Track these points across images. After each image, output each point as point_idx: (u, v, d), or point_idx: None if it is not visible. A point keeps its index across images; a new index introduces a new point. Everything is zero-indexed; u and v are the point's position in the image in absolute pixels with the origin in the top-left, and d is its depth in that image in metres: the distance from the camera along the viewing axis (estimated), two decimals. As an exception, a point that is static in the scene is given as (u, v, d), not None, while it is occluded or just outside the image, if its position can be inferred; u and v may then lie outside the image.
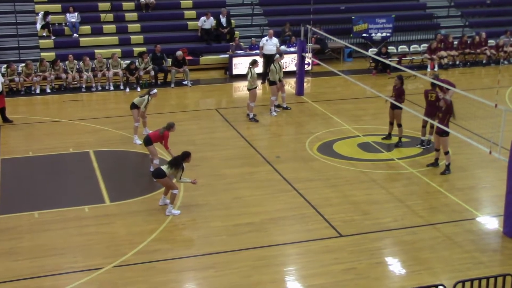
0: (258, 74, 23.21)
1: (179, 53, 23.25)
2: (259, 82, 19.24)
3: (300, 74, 21.84)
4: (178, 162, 12.95)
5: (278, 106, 19.87)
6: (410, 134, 17.57)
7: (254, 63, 19.03)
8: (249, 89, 18.95)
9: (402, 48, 27.28)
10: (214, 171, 15.31)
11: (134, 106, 16.88)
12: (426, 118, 16.20)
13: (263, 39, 23.78)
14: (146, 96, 16.77)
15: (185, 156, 13.04)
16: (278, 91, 19.68)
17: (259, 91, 22.22)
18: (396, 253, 11.86)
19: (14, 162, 15.89)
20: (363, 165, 15.74)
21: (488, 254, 11.68)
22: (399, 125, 16.89)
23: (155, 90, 17.00)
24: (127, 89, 22.49)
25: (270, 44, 23.22)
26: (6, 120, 18.70)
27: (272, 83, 19.46)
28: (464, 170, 15.50)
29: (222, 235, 12.32)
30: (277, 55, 20.30)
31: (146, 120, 17.30)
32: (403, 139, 17.08)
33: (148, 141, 14.61)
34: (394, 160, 16.10)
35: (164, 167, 12.99)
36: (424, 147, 16.79)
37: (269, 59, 22.06)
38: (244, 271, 11.06)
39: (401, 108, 16.60)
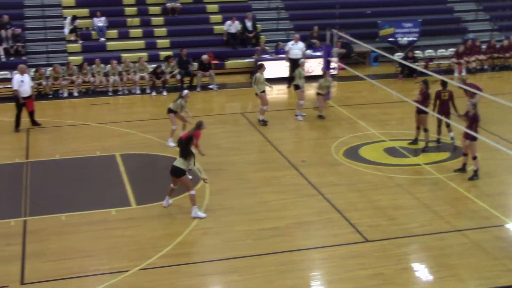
0: (284, 79, 23.29)
1: (205, 57, 23.34)
2: (266, 87, 19.11)
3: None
4: (184, 149, 12.98)
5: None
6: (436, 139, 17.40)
7: (260, 67, 19.09)
8: (256, 94, 18.92)
9: (429, 52, 27.08)
10: (239, 175, 15.31)
11: (170, 111, 16.94)
12: (440, 117, 16.25)
13: (289, 43, 23.77)
14: (179, 100, 16.84)
15: (188, 140, 13.12)
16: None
17: (284, 95, 22.26)
18: (423, 259, 11.73)
19: (42, 165, 16.06)
20: (389, 170, 15.62)
21: (517, 261, 11.52)
22: (425, 130, 16.75)
23: (186, 91, 17.17)
24: (153, 93, 22.62)
25: (296, 48, 23.20)
26: (34, 123, 18.92)
27: (297, 87, 19.42)
28: (492, 175, 15.29)
29: (246, 239, 12.30)
30: (302, 60, 20.23)
31: (187, 124, 16.96)
32: (430, 144, 16.92)
33: (181, 143, 14.69)
34: (421, 165, 15.95)
35: (179, 163, 12.97)
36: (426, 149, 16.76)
37: (294, 64, 21.98)
38: (268, 275, 11.03)
39: (427, 113, 16.46)
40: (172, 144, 16.85)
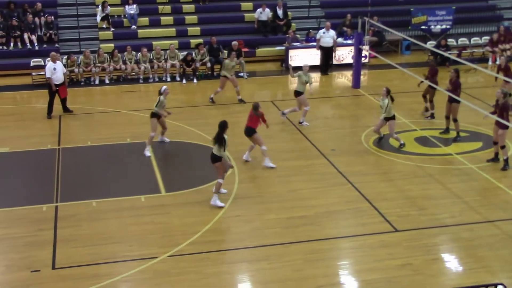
0: (315, 66, 23.10)
1: (234, 43, 23.31)
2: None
3: (357, 67, 21.58)
4: (220, 136, 12.96)
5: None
6: (468, 129, 17.17)
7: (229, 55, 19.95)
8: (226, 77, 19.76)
9: (462, 40, 26.66)
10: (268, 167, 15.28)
11: (153, 115, 16.00)
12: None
13: (320, 31, 23.61)
14: (160, 97, 16.04)
15: (223, 126, 13.07)
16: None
17: (315, 83, 22.09)
18: (453, 250, 11.61)
19: (73, 152, 16.25)
20: (420, 160, 15.47)
21: (550, 254, 11.34)
22: (455, 120, 16.51)
23: (164, 87, 16.30)
24: (184, 81, 22.69)
25: (327, 36, 23.04)
26: (67, 110, 19.13)
27: (298, 93, 17.85)
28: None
29: (275, 228, 12.31)
30: (305, 64, 18.34)
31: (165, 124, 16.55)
32: (462, 134, 16.70)
33: (250, 131, 14.98)
34: (452, 154, 15.75)
35: (214, 150, 13.01)
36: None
37: (326, 52, 21.87)
38: (297, 264, 11.03)
39: (459, 102, 16.23)
40: (148, 153, 15.80)
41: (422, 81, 18.09)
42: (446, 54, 20.12)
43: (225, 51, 23.54)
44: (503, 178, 14.36)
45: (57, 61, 18.99)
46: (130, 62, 22.87)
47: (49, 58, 19.60)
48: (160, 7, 26.28)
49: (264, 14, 25.74)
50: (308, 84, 17.75)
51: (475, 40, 26.65)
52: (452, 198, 13.47)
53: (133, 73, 22.94)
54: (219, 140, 12.95)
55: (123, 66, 22.74)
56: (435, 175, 14.63)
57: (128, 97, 21.04)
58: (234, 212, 12.92)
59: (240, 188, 13.97)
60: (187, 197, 13.60)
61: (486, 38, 26.16)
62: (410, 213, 12.81)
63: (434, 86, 17.54)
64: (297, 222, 12.51)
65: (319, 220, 12.59)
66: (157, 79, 22.83)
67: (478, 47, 26.19)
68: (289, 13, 26.52)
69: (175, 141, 16.85)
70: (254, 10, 26.27)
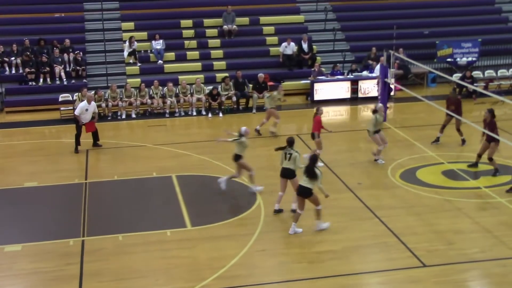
0: (341, 100, 23.06)
1: (260, 75, 23.48)
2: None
3: (382, 99, 21.54)
4: (311, 169, 12.94)
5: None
6: (498, 162, 16.95)
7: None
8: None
9: (489, 72, 26.51)
10: (295, 198, 15.19)
11: (237, 157, 15.55)
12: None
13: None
14: (239, 138, 15.44)
15: (314, 160, 13.05)
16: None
17: (340, 116, 22.09)
18: (484, 286, 11.37)
19: (100, 186, 16.36)
20: (448, 193, 15.28)
21: None
22: (491, 159, 16.20)
23: (244, 128, 15.73)
24: (209, 115, 22.83)
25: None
26: (96, 145, 19.29)
27: (375, 132, 17.53)
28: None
29: (302, 262, 12.20)
30: (379, 105, 18.06)
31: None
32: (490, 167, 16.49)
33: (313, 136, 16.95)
34: (481, 188, 15.54)
35: (304, 183, 13.00)
36: None
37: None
38: (324, 299, 10.89)
39: (498, 141, 15.94)
40: (258, 188, 15.52)
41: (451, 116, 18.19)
42: (472, 86, 20.02)
43: (250, 85, 23.69)
44: (534, 212, 14.10)
45: (92, 103, 19.20)
46: (157, 97, 23.11)
47: (78, 93, 19.83)
48: (186, 42, 26.63)
49: (289, 48, 25.91)
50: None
51: (502, 72, 26.47)
52: (482, 233, 13.24)
53: (159, 108, 23.15)
54: (311, 172, 12.90)
55: (149, 101, 22.98)
56: (464, 209, 14.42)
57: (155, 131, 21.20)
58: (260, 246, 12.84)
59: (267, 222, 13.90)
60: (213, 231, 13.56)
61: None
62: (438, 247, 12.60)
63: (459, 117, 17.57)
64: (324, 256, 12.39)
65: (346, 255, 12.45)
66: (183, 113, 23.02)
67: (505, 79, 26.00)
68: (314, 46, 26.66)
69: (200, 175, 16.87)
70: (279, 44, 26.48)
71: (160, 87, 23.30)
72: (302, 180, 13.08)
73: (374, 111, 17.28)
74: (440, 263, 12.02)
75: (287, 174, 14.08)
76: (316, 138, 17.04)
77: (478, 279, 11.61)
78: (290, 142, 14.17)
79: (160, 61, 25.68)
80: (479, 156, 16.58)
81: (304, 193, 13.06)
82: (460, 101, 18.58)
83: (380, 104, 17.48)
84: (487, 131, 16.04)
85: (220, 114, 22.81)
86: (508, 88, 25.38)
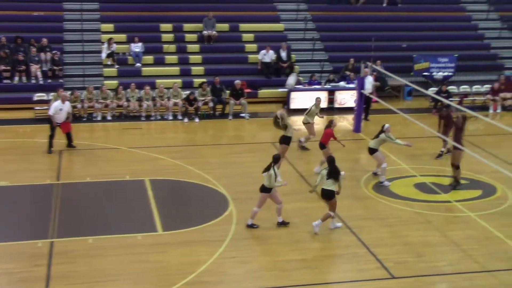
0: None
1: (237, 81, 23.52)
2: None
3: (358, 111, 21.70)
4: (334, 169, 13.64)
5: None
6: (469, 176, 17.17)
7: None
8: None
9: (464, 88, 26.83)
10: (267, 205, 15.21)
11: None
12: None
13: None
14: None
15: (332, 161, 13.73)
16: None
17: (317, 126, 22.19)
18: (450, 299, 11.52)
19: (72, 187, 16.24)
20: (419, 206, 15.43)
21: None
22: (457, 167, 16.45)
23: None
24: (186, 119, 22.79)
25: (367, 82, 22.56)
26: (70, 146, 19.14)
27: (373, 151, 17.24)
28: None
29: (273, 270, 12.21)
30: (387, 126, 17.35)
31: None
32: (462, 181, 16.67)
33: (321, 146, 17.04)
34: (451, 202, 15.71)
35: (329, 186, 13.57)
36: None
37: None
38: (292, 308, 10.92)
39: (460, 149, 16.23)
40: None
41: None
42: (446, 101, 20.22)
43: (228, 91, 23.71)
44: (502, 227, 14.26)
45: (65, 102, 19.07)
46: (133, 100, 23.02)
47: (54, 93, 19.68)
48: (165, 46, 26.57)
49: (268, 55, 26.00)
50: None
51: (476, 87, 26.82)
52: (450, 246, 13.39)
53: (135, 111, 23.06)
54: (334, 173, 13.53)
55: (125, 103, 22.89)
56: (434, 222, 14.57)
57: (130, 134, 21.12)
58: (231, 253, 12.84)
59: (239, 229, 13.90)
60: (185, 236, 13.53)
61: (487, 86, 26.33)
62: (407, 259, 12.71)
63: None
64: (294, 265, 12.42)
65: (315, 264, 12.50)
66: (159, 117, 22.95)
67: (479, 95, 26.34)
68: (292, 55, 26.78)
69: (174, 180, 16.83)
70: (258, 52, 26.53)
71: (137, 90, 23.23)
72: (324, 184, 13.62)
73: (381, 132, 17.15)
74: (408, 275, 12.12)
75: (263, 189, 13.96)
76: (324, 149, 17.11)
77: (445, 292, 11.74)
78: (276, 159, 14.11)
79: (138, 64, 25.60)
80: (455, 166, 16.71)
81: (327, 196, 13.68)
82: (451, 116, 18.33)
83: (387, 125, 17.34)
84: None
85: (196, 119, 22.79)
86: (482, 104, 25.70)
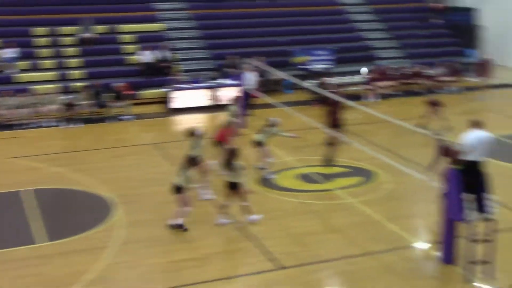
0: (201, 108, 23.19)
1: (118, 84, 23.14)
2: None
3: (241, 107, 21.83)
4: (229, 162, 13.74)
5: None
6: (351, 164, 17.72)
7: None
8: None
9: (341, 79, 27.65)
10: (154, 207, 15.05)
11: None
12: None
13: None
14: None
15: (233, 154, 13.84)
16: None
17: (199, 123, 22.18)
18: (336, 284, 11.81)
19: None
20: (303, 196, 15.74)
21: (427, 282, 11.76)
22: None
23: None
24: (66, 125, 22.10)
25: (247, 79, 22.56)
26: None
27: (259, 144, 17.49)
28: (400, 198, 15.68)
29: (161, 272, 12.06)
30: (275, 120, 17.86)
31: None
32: (344, 170, 17.18)
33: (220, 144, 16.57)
34: (334, 190, 16.15)
35: (236, 178, 13.67)
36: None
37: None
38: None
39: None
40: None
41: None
42: (324, 92, 20.74)
43: (108, 94, 23.21)
44: (383, 211, 14.77)
45: None
46: (8, 108, 22.06)
47: None
48: (39, 50, 25.64)
49: (148, 56, 25.73)
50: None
51: (351, 78, 27.72)
52: (334, 233, 13.74)
53: (12, 119, 22.09)
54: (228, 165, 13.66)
55: (1, 112, 21.89)
56: (318, 211, 14.91)
57: (6, 144, 20.21)
58: (119, 259, 12.54)
59: (125, 234, 13.60)
60: (67, 246, 13.06)
61: (361, 77, 27.26)
62: (294, 250, 12.93)
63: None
64: (182, 264, 12.32)
65: (205, 262, 12.45)
66: (36, 125, 22.09)
67: (356, 85, 27.24)
68: (176, 55, 26.62)
69: (55, 188, 16.25)
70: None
71: (12, 98, 22.28)
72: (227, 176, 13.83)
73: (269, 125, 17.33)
74: (295, 264, 12.33)
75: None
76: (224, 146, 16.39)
77: (331, 277, 12.02)
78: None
79: (11, 70, 24.53)
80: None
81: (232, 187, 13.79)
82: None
83: (276, 119, 17.48)
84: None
85: (77, 125, 22.14)
86: (353, 93, 26.47)
